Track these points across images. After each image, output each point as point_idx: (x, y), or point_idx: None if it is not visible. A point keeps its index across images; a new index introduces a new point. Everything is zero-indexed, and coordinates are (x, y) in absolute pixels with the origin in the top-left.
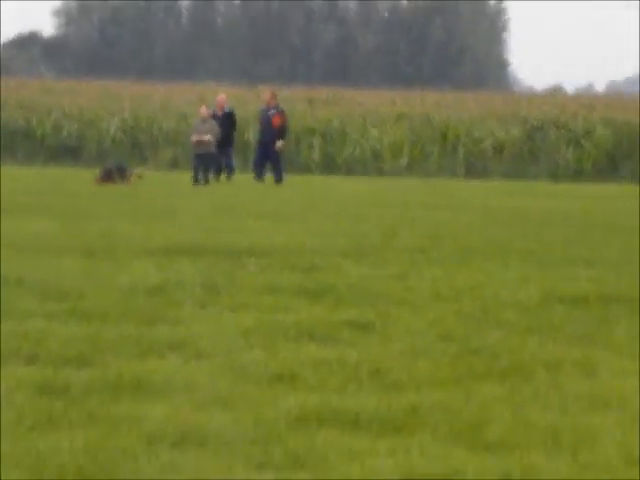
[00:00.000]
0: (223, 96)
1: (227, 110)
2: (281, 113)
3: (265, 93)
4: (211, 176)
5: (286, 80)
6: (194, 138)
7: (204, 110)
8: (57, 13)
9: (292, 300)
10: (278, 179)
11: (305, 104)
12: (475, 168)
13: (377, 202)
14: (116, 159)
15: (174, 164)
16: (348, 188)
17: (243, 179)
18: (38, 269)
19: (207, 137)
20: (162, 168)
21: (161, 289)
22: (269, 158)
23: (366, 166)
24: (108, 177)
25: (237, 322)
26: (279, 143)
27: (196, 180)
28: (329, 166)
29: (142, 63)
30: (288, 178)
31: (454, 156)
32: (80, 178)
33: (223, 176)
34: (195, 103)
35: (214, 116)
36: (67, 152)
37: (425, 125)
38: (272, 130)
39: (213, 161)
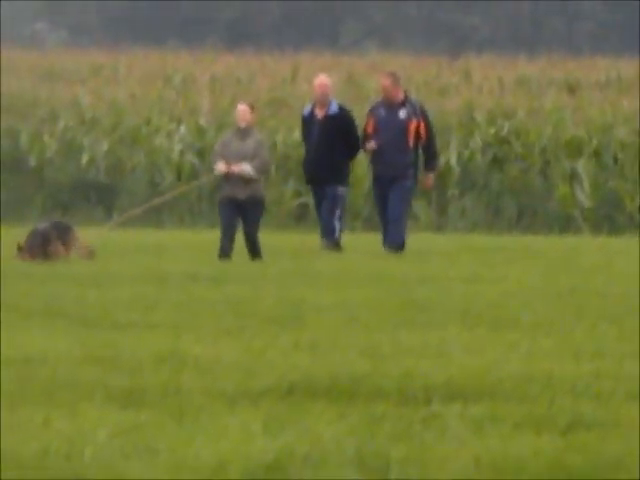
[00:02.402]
0: (324, 79)
1: (334, 108)
2: (422, 115)
3: (382, 77)
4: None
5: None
6: (220, 168)
7: (244, 112)
8: None
9: None
10: (394, 241)
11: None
12: None
13: None
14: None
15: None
16: None
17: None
18: None
19: (246, 169)
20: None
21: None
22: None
23: None
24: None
25: None
26: (429, 176)
27: (224, 253)
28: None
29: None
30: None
31: None
32: None
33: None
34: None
35: (305, 123)
36: None
37: None
38: (404, 148)
39: (258, 215)
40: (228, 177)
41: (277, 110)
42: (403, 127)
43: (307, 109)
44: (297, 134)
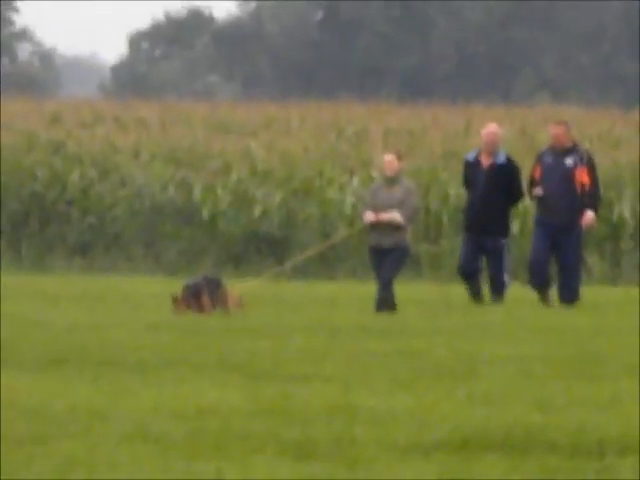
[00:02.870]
0: (494, 128)
1: (502, 158)
2: (588, 164)
3: (553, 127)
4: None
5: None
6: (368, 217)
7: (391, 162)
8: None
9: None
10: (570, 297)
11: None
12: None
13: None
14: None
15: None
16: None
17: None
18: None
19: (395, 216)
20: (311, 273)
21: None
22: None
23: None
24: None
25: None
26: (588, 216)
27: (381, 305)
28: None
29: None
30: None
31: None
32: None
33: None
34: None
35: (468, 168)
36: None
37: None
38: (572, 196)
39: (398, 261)
40: (375, 226)
41: (450, 163)
42: (570, 174)
43: (472, 155)
44: None
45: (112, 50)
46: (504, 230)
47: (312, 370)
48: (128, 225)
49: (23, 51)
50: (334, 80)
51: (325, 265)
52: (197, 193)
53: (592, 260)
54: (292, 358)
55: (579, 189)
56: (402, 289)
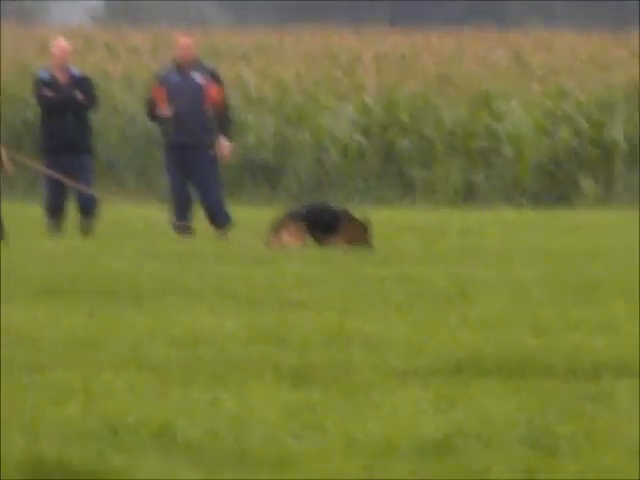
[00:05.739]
0: (64, 42)
1: (76, 71)
2: (215, 80)
3: (180, 38)
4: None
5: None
6: None
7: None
8: None
9: None
10: (220, 221)
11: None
12: None
13: None
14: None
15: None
16: None
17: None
18: None
19: None
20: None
21: None
22: (194, 175)
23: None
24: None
25: None
26: (224, 143)
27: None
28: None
29: None
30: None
31: None
32: None
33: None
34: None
35: (42, 85)
36: None
37: None
38: (200, 114)
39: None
40: None
41: (443, 87)
42: (200, 92)
43: (43, 72)
44: (463, 112)
45: None
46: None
47: (308, 297)
48: (120, 152)
49: None
50: (327, 4)
51: (320, 191)
52: None
53: (585, 183)
54: (288, 285)
55: (211, 107)
56: (396, 215)
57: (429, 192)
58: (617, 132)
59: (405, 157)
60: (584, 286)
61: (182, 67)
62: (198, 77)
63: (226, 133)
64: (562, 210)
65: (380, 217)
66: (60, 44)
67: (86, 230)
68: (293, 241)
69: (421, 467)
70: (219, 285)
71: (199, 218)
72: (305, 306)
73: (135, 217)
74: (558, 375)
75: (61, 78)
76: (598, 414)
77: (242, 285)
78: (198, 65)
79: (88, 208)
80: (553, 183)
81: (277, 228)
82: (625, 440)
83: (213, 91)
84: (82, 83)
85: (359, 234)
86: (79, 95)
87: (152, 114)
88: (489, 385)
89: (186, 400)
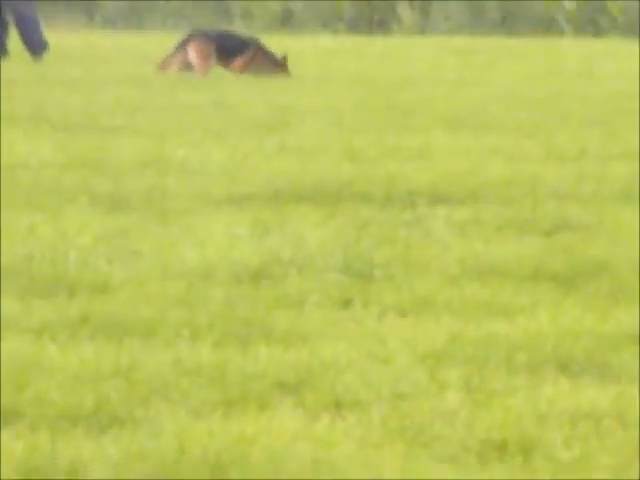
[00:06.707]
0: None
1: None
2: None
3: None
4: None
5: None
6: None
7: None
8: None
9: None
10: (37, 45)
11: None
12: None
13: None
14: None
15: None
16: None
17: None
18: None
19: None
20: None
21: None
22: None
23: None
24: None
25: None
26: None
27: None
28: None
29: None
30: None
31: None
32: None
33: None
34: None
35: None
36: None
37: None
38: None
39: None
40: None
41: None
42: None
43: None
44: None
45: None
46: None
47: (125, 122)
48: None
49: None
50: None
51: (135, 15)
52: None
53: (401, 10)
54: (104, 111)
55: None
56: None
57: (247, 18)
58: None
59: None
60: (400, 113)
61: None
62: None
63: None
64: (379, 37)
65: None
66: None
67: None
68: (200, 61)
69: (237, 293)
70: (34, 111)
71: (15, 42)
72: (122, 131)
73: None
74: (374, 202)
75: None
76: (413, 241)
77: (57, 110)
78: None
79: None
80: (371, 9)
81: (178, 49)
82: (439, 266)
83: None
84: None
85: (271, 64)
86: None
87: None
88: (305, 212)
89: (1, 226)
